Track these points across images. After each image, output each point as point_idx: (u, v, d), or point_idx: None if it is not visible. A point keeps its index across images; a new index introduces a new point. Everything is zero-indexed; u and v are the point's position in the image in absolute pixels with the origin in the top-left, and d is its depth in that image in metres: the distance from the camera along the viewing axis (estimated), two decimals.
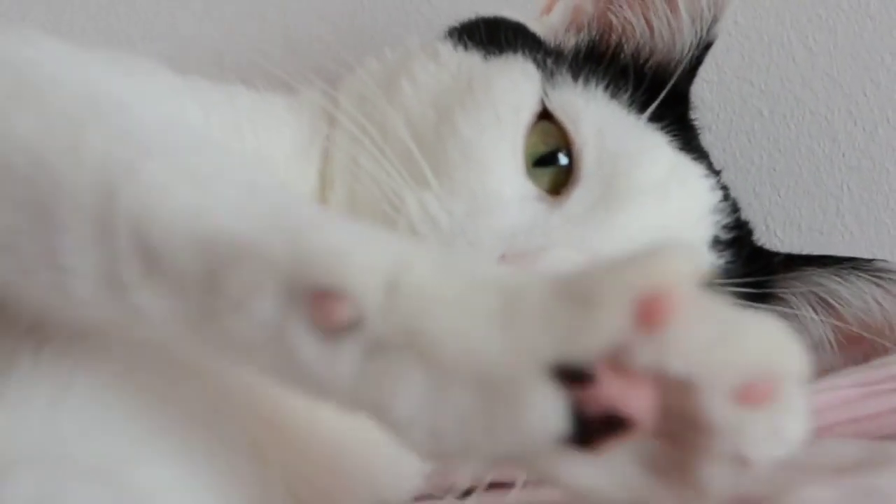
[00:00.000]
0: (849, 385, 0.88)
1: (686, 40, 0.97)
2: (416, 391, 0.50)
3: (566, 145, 0.89)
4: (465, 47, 0.94)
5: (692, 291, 0.47)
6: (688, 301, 0.46)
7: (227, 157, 0.61)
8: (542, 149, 0.89)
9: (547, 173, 0.88)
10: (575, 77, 0.92)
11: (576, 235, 0.83)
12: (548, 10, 1.03)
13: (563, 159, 0.88)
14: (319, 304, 0.50)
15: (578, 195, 0.86)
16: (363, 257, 0.51)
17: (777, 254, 1.02)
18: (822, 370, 0.95)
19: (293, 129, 0.91)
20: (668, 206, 0.89)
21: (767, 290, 0.95)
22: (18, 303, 0.61)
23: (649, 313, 0.46)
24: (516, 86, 0.90)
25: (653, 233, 0.86)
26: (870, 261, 0.99)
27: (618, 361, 0.47)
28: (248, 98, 0.91)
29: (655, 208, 0.88)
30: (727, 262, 0.93)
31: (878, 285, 0.96)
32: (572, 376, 0.47)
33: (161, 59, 0.87)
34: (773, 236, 1.20)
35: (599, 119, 0.89)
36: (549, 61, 0.93)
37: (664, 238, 0.85)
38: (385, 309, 0.50)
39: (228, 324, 0.53)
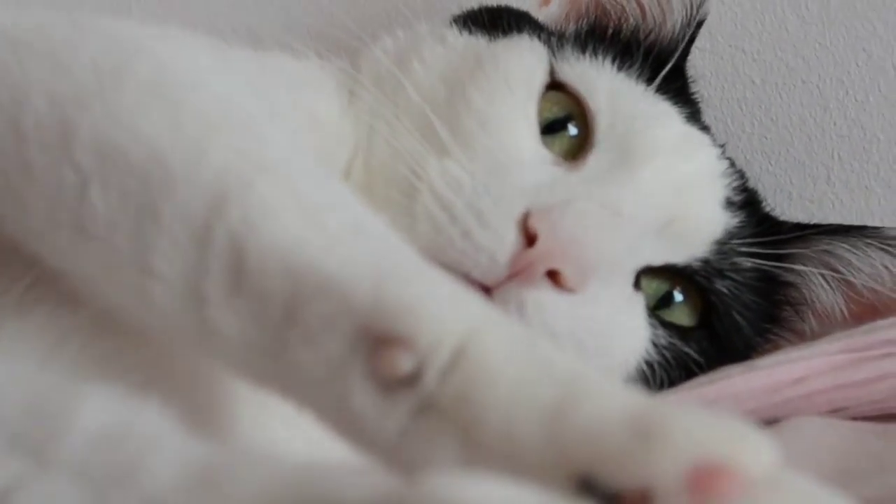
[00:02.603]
0: (837, 351, 0.88)
1: (677, 19, 1.00)
2: (448, 462, 0.49)
3: (578, 113, 0.91)
4: (470, 32, 0.97)
5: (759, 485, 0.44)
6: (748, 493, 0.44)
7: (342, 190, 0.62)
8: (552, 115, 0.91)
9: (557, 141, 0.90)
10: (582, 52, 0.94)
11: (597, 192, 0.84)
12: (546, 2, 1.06)
13: (572, 130, 0.91)
14: (385, 351, 0.51)
15: (595, 159, 0.88)
16: (440, 314, 0.51)
17: (786, 222, 1.03)
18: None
19: (334, 93, 0.92)
20: (684, 166, 0.91)
21: (779, 251, 0.96)
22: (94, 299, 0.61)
23: (703, 480, 0.44)
24: (523, 58, 0.92)
25: (670, 191, 0.88)
26: (878, 228, 1.00)
27: (646, 500, 0.45)
28: (292, 65, 0.92)
29: (671, 168, 0.89)
30: (739, 223, 0.94)
31: (887, 252, 0.97)
32: (598, 495, 0.46)
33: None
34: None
35: (611, 87, 0.92)
36: (553, 39, 0.96)
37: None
38: (445, 370, 0.50)
39: (296, 355, 0.53)
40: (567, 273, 0.79)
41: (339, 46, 0.97)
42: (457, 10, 1.04)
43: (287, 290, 0.54)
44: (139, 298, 0.58)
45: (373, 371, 0.51)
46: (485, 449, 0.49)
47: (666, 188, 0.88)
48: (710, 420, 0.46)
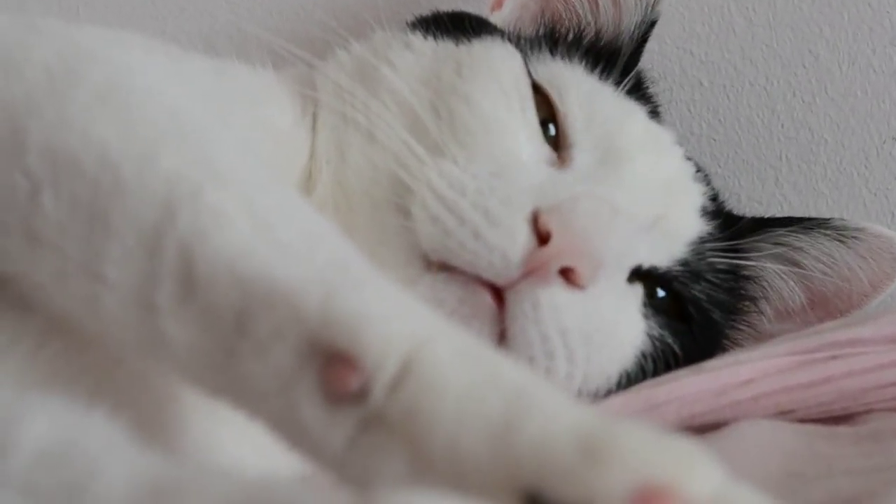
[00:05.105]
0: (783, 353, 0.89)
1: (631, 20, 1.01)
2: (396, 475, 0.49)
3: (553, 114, 0.91)
4: (435, 37, 0.96)
5: None
6: None
7: (296, 199, 0.62)
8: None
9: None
10: (549, 54, 0.96)
11: (596, 190, 0.85)
12: (498, 5, 1.07)
13: (551, 129, 0.91)
14: (333, 367, 0.51)
15: (580, 158, 0.89)
16: (387, 329, 0.51)
17: (742, 217, 1.04)
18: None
19: (287, 103, 0.91)
20: (662, 163, 0.93)
21: (739, 245, 0.98)
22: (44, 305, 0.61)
23: (647, 502, 0.44)
24: (505, 60, 0.92)
25: (657, 188, 0.90)
26: (829, 219, 1.03)
27: None
28: (247, 74, 0.90)
29: (653, 165, 0.91)
30: (710, 232, 0.95)
31: (839, 242, 1.01)
32: None
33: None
34: None
35: (583, 87, 0.93)
36: (520, 42, 0.96)
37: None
38: (391, 386, 0.50)
39: (245, 367, 0.53)
40: (581, 270, 0.79)
41: (312, 47, 0.95)
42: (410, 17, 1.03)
43: (236, 300, 0.54)
44: (90, 306, 0.57)
45: (321, 384, 0.52)
46: (432, 463, 0.49)
47: (653, 186, 0.90)
48: (657, 440, 0.47)
